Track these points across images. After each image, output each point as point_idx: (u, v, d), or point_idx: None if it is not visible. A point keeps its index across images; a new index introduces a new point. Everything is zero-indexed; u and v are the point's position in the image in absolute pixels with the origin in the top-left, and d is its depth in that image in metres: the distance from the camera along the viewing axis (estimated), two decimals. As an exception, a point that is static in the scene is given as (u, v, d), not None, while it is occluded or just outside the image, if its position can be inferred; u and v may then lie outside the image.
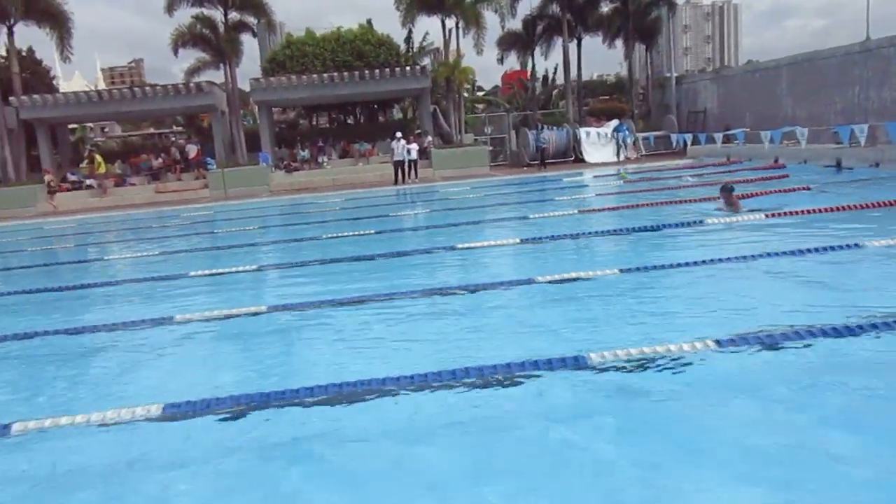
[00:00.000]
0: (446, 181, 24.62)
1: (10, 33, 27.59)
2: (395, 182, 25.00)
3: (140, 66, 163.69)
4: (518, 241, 9.59)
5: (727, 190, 10.20)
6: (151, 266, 10.60)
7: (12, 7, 25.93)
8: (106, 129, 69.87)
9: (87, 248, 14.52)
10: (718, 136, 22.70)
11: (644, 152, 28.89)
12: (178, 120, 51.12)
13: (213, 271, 8.94)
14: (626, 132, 28.77)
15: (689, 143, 24.64)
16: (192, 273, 8.83)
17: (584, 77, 35.27)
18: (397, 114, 38.06)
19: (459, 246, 9.44)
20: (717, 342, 4.31)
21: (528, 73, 39.98)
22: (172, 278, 8.75)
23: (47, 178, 26.96)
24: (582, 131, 29.29)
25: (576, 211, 12.46)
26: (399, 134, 25.57)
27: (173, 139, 36.93)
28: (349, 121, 35.15)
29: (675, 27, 33.71)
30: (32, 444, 3.76)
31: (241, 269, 9.06)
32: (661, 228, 9.32)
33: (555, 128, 30.18)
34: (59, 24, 27.58)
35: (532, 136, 28.88)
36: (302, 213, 17.11)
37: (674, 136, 26.40)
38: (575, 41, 33.89)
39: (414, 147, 25.33)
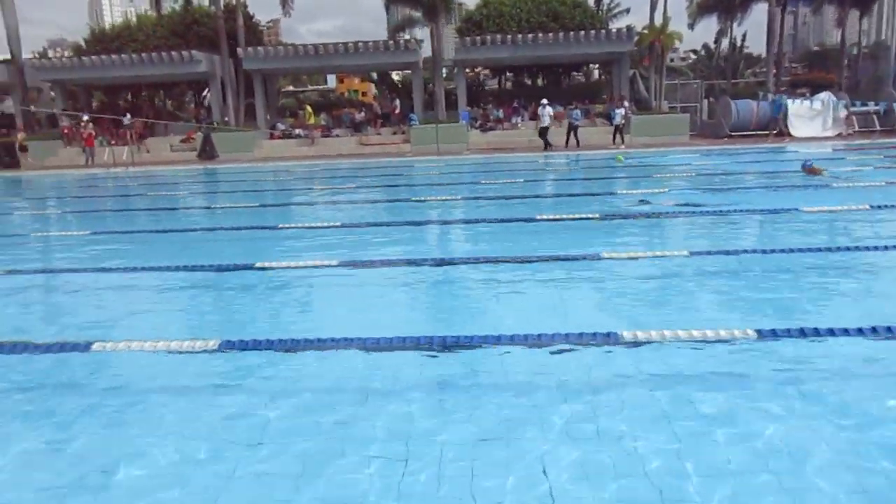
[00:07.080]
0: (647, 149, 24.08)
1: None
2: (545, 148, 23.96)
3: (277, 25, 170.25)
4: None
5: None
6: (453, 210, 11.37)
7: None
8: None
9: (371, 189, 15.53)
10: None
11: (857, 128, 27.15)
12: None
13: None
14: (839, 104, 27.06)
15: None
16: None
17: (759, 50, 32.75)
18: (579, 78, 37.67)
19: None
20: None
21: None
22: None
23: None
24: (790, 102, 27.83)
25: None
26: (545, 101, 25.20)
27: (374, 94, 38.60)
28: (534, 83, 35.26)
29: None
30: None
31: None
32: None
33: (758, 99, 28.90)
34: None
35: (734, 107, 27.88)
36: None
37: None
38: (779, 8, 32.10)
39: (620, 112, 25.06)
